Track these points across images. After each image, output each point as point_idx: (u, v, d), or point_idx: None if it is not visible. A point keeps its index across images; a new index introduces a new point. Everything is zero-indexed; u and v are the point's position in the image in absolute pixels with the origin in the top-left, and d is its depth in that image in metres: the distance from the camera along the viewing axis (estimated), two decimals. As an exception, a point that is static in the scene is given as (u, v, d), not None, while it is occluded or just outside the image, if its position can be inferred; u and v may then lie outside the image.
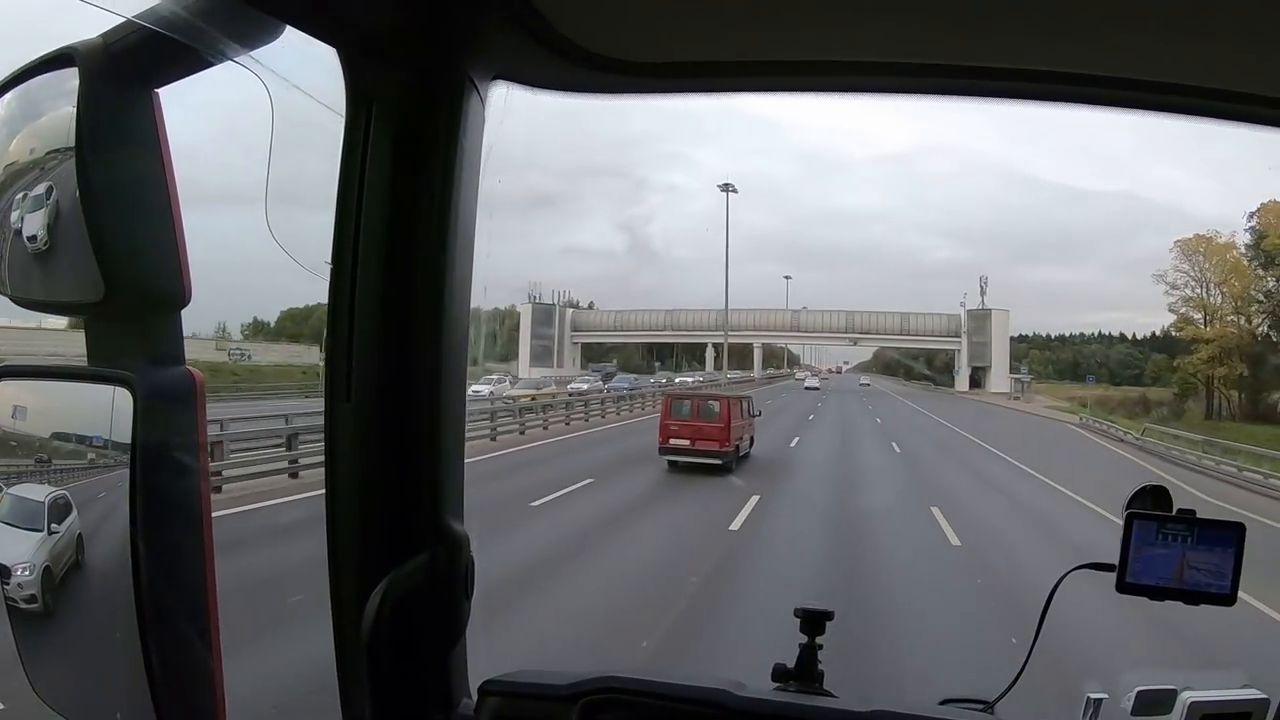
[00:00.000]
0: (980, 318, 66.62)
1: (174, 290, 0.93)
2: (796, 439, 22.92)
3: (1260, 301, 45.96)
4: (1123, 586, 1.41)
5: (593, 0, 1.10)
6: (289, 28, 0.97)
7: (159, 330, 0.94)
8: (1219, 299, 46.82)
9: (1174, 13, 1.02)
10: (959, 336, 66.84)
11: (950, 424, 31.27)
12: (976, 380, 66.16)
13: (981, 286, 69.89)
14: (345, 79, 1.09)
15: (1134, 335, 76.46)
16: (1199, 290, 47.32)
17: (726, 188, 44.62)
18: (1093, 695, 1.51)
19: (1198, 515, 1.39)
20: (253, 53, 0.95)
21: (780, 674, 1.51)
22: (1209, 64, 1.16)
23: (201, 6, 0.89)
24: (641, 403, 30.84)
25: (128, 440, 0.86)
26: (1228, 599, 1.37)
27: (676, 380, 48.75)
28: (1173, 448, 26.51)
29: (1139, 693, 1.48)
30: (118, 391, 0.88)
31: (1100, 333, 78.27)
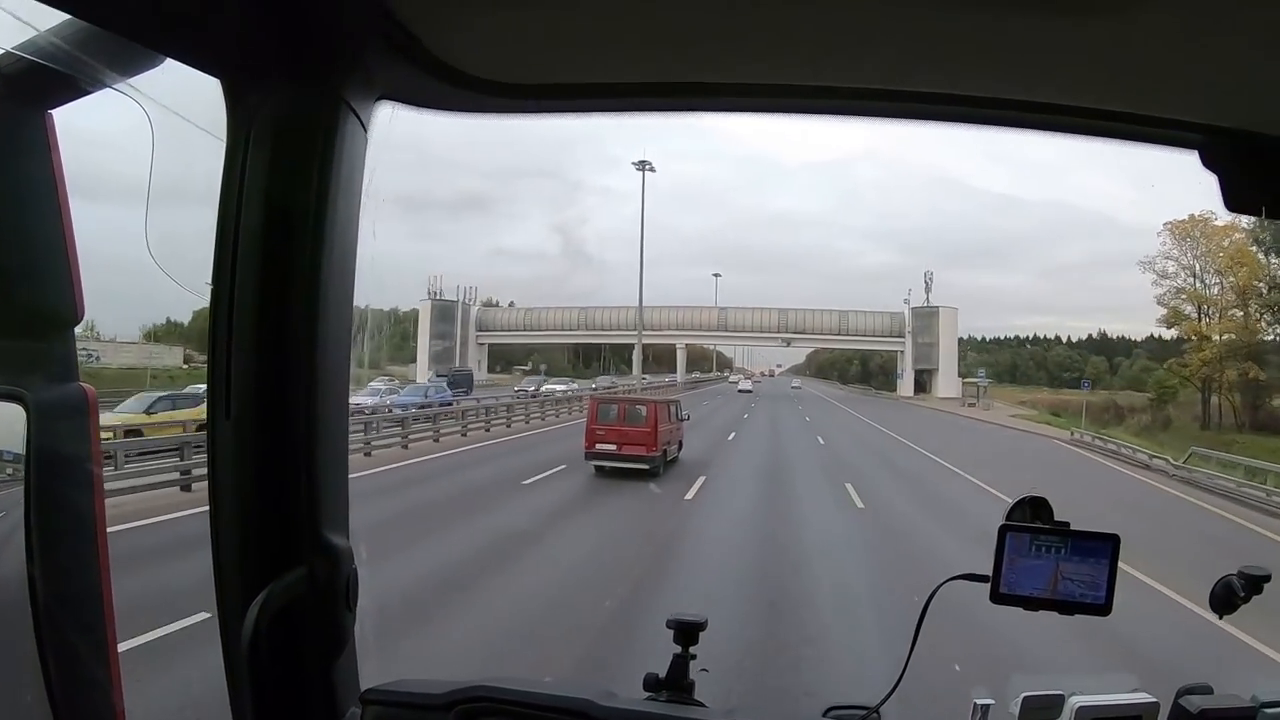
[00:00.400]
0: (926, 316, 66.69)
1: (67, 307, 0.97)
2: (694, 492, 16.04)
3: (1265, 293, 41.08)
4: (997, 597, 1.49)
5: (466, 24, 1.17)
6: None
7: (52, 347, 0.98)
8: (1218, 289, 42.56)
9: (1082, 44, 1.16)
10: (902, 337, 65.68)
11: (912, 443, 26.61)
12: (921, 384, 64.97)
13: (926, 282, 68.87)
14: (226, 105, 1.15)
15: (1069, 338, 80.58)
16: (1193, 280, 43.29)
17: (643, 165, 44.29)
18: (979, 701, 1.59)
19: (1071, 526, 1.49)
20: (136, 79, 0.98)
21: (651, 684, 1.61)
22: (1113, 89, 1.32)
23: (82, 37, 0.93)
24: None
25: (21, 456, 0.89)
26: (1103, 609, 1.47)
27: (550, 388, 46.34)
28: (1240, 483, 20.81)
29: (1025, 698, 1.57)
30: (10, 408, 0.90)
31: (1036, 335, 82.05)
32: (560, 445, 20.76)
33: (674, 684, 1.60)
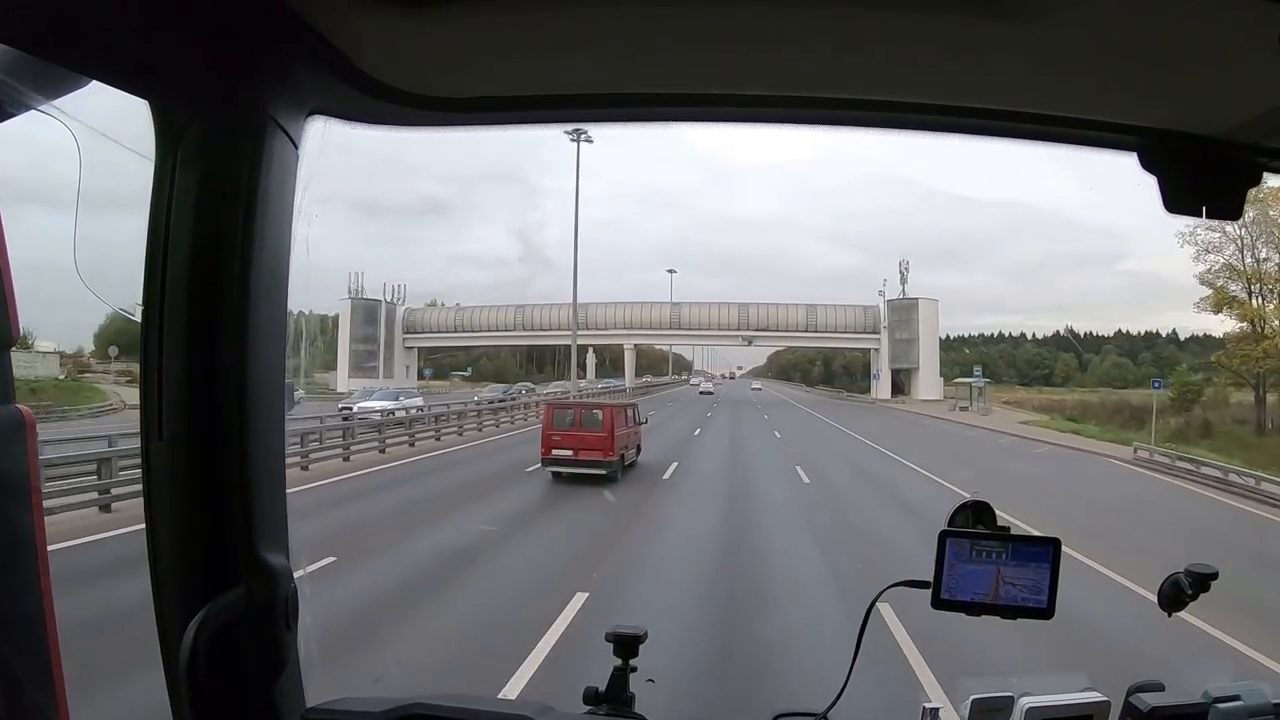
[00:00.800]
0: (903, 309, 62.59)
1: (1, 329, 1.00)
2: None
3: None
4: (938, 603, 1.55)
5: (395, 40, 1.22)
6: None
7: None
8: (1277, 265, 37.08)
9: (1022, 49, 1.23)
10: (877, 333, 63.11)
11: (926, 470, 21.26)
12: (899, 385, 62.53)
13: (902, 273, 64.35)
14: (154, 125, 1.18)
15: (1033, 335, 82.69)
16: (1242, 255, 37.10)
17: (577, 134, 39.64)
18: (928, 705, 1.66)
19: (1012, 532, 1.56)
20: (62, 100, 1.01)
21: (591, 697, 1.67)
22: (1054, 93, 1.41)
23: (6, 60, 0.97)
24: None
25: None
26: (1045, 613, 1.53)
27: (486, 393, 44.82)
28: None
29: (974, 701, 1.64)
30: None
31: (1000, 333, 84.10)
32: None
33: (614, 697, 1.66)
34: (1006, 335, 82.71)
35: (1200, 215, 1.55)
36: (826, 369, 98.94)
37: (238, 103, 1.20)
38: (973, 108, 1.46)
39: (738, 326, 64.11)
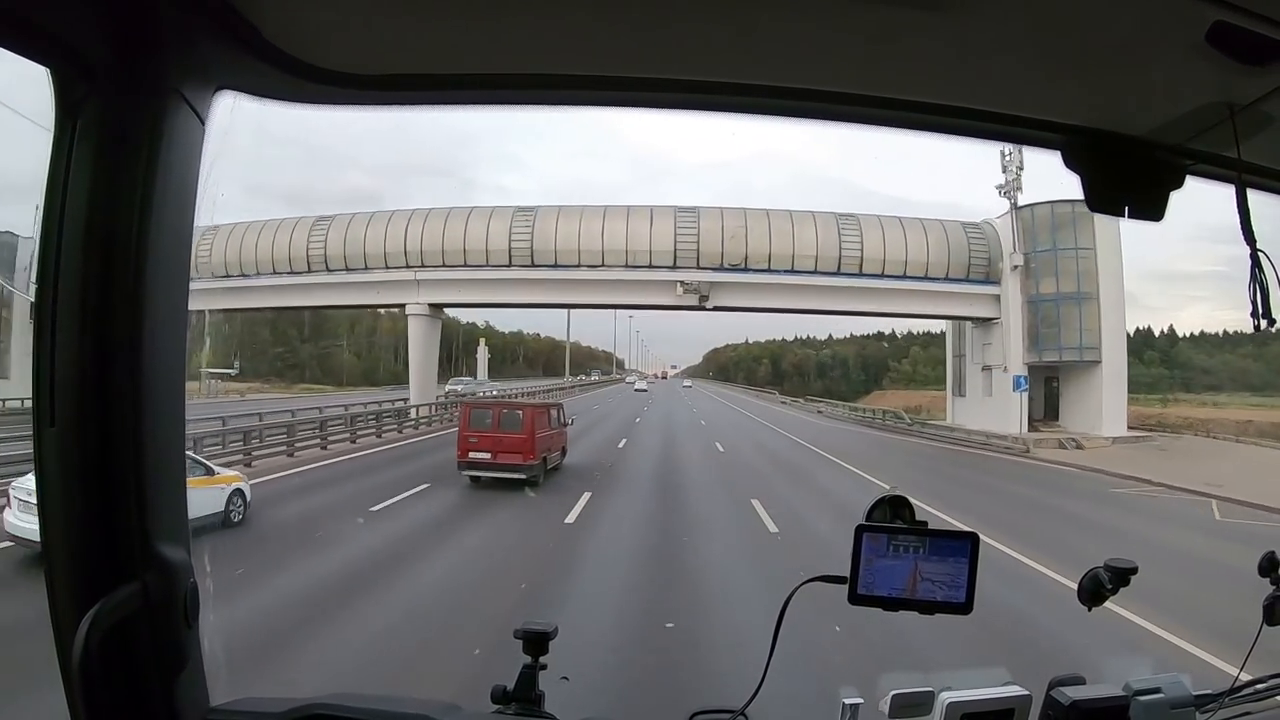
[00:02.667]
0: (1057, 229, 34.35)
1: None
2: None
3: None
4: (855, 598, 1.64)
5: (307, 13, 1.28)
6: None
7: None
8: None
9: (949, 43, 1.34)
10: (994, 283, 35.24)
11: None
12: (1052, 401, 36.25)
13: (1009, 170, 34.22)
14: (54, 95, 1.22)
15: None
16: None
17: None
18: (848, 700, 1.77)
19: (929, 526, 1.66)
20: None
21: (499, 696, 1.75)
22: (980, 89, 1.52)
23: None
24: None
25: None
26: (964, 608, 1.63)
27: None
28: None
29: (894, 696, 1.75)
30: None
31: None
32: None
33: (522, 695, 1.74)
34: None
35: (1123, 215, 1.66)
36: (775, 368, 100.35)
37: (140, 75, 1.24)
38: (896, 99, 1.57)
39: (676, 264, 35.70)
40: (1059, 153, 1.66)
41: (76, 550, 1.29)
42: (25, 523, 9.65)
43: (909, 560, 1.63)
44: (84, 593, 1.25)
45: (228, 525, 12.40)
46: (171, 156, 1.28)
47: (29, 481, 9.55)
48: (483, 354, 72.37)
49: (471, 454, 17.94)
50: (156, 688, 1.34)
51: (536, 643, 1.78)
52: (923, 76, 1.49)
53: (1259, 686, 2.03)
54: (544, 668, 1.78)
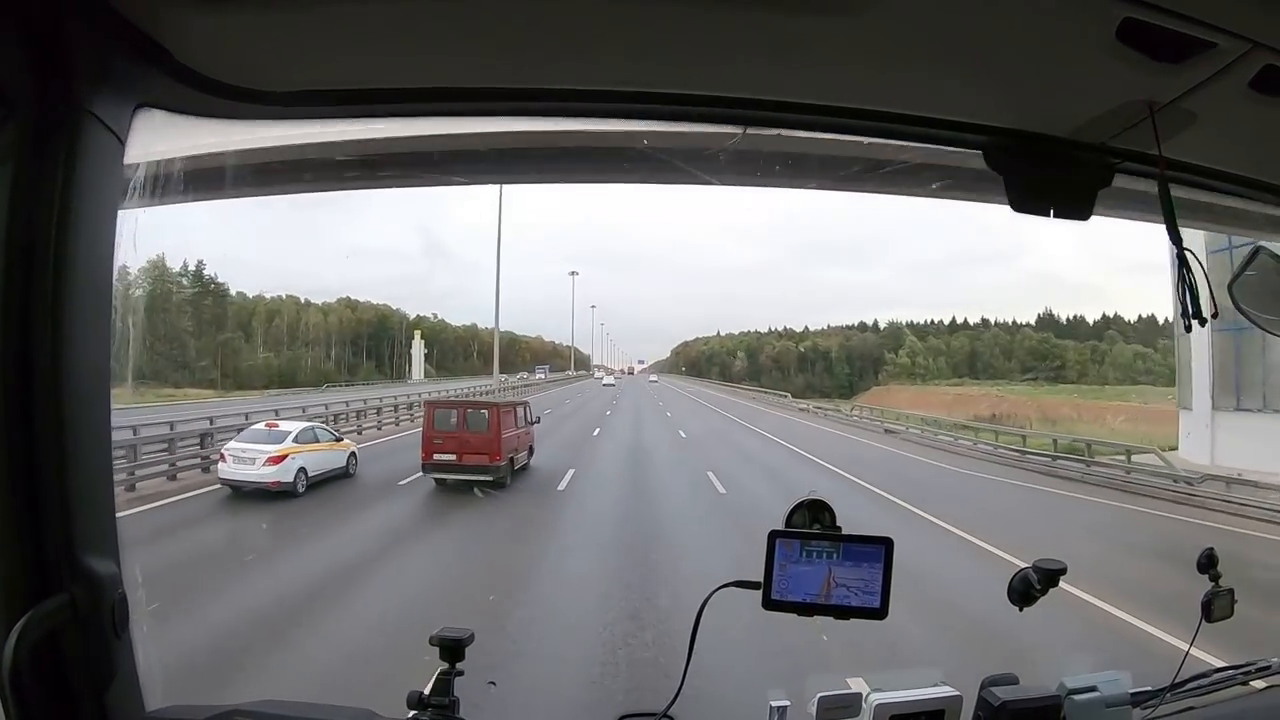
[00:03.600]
0: None
1: None
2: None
3: None
4: (769, 604, 1.72)
5: (213, 33, 1.35)
6: None
7: None
8: None
9: (870, 48, 1.42)
10: None
11: None
12: None
13: None
14: None
15: (1017, 321, 78.89)
16: None
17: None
18: (775, 703, 1.86)
19: (844, 532, 1.73)
20: None
21: (414, 702, 1.83)
22: (902, 93, 1.61)
23: None
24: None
25: None
26: (878, 613, 1.71)
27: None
28: None
29: (821, 698, 1.85)
30: None
31: (999, 319, 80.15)
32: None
33: (438, 701, 1.82)
34: (1005, 321, 77.29)
35: (1048, 215, 1.75)
36: (751, 362, 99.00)
37: (52, 97, 1.30)
38: (814, 105, 1.65)
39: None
40: (981, 154, 1.74)
41: (2, 563, 1.34)
42: (231, 473, 16.62)
43: (823, 566, 1.70)
44: (11, 606, 1.30)
45: (347, 476, 19.09)
46: (88, 176, 1.35)
47: (233, 445, 17.37)
48: (418, 350, 70.32)
49: (436, 456, 18.06)
50: (88, 698, 1.40)
51: (452, 649, 1.85)
52: (840, 82, 1.57)
53: (1201, 682, 2.14)
54: (461, 674, 1.85)
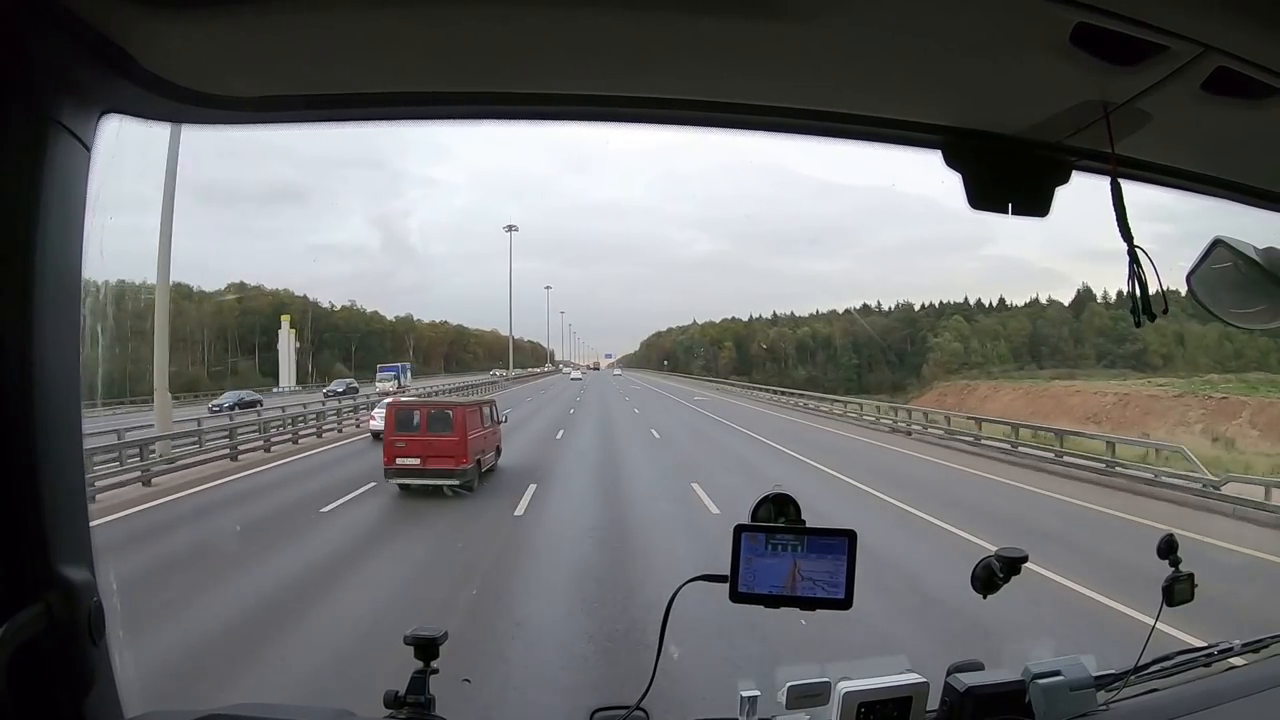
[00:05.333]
0: None
1: None
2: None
3: None
4: (736, 596, 1.90)
5: (177, 40, 1.46)
6: None
7: None
8: None
9: (827, 50, 1.55)
10: None
11: None
12: None
13: None
14: None
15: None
16: None
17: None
18: (745, 693, 2.06)
19: (808, 525, 1.91)
20: None
21: (390, 701, 2.01)
22: (859, 94, 1.75)
23: None
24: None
25: None
26: (843, 603, 1.89)
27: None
28: None
29: (790, 687, 2.05)
30: None
31: (1051, 298, 74.78)
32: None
33: (413, 700, 2.00)
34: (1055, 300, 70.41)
35: (1006, 212, 1.89)
36: (741, 354, 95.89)
37: (15, 105, 1.41)
38: (777, 107, 1.80)
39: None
40: (939, 152, 1.89)
41: None
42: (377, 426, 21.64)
43: (787, 559, 1.89)
44: None
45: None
46: (53, 184, 1.45)
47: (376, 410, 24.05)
48: (286, 343, 61.88)
49: (399, 460, 18.29)
50: (67, 707, 1.51)
51: (426, 648, 2.03)
52: (799, 85, 1.72)
53: (1165, 664, 2.37)
54: (435, 671, 2.03)
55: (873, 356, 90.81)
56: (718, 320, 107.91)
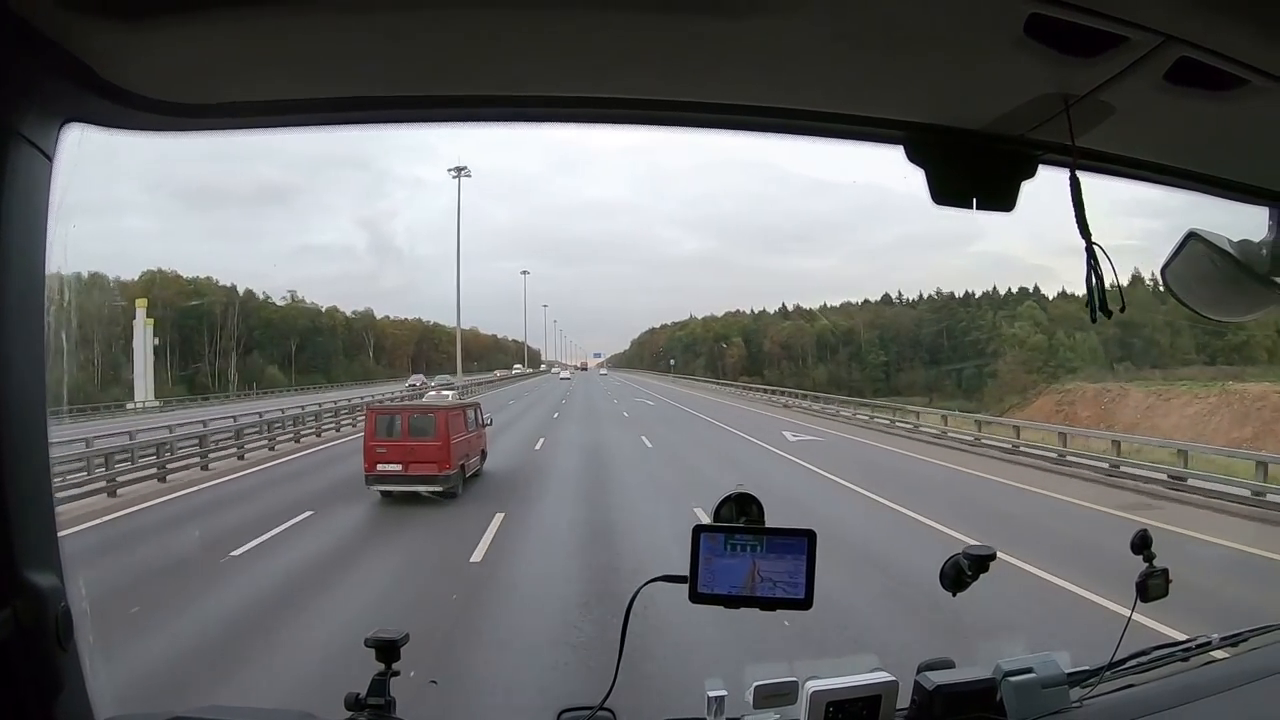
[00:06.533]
0: None
1: None
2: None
3: None
4: (695, 597, 2.01)
5: (135, 49, 1.54)
6: None
7: None
8: None
9: (789, 48, 1.63)
10: None
11: None
12: None
13: None
14: None
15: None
16: None
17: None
18: (712, 693, 2.19)
19: (767, 525, 2.03)
20: None
21: (351, 703, 2.14)
22: (822, 91, 1.86)
23: None
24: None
25: None
26: (803, 604, 2.00)
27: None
28: None
29: (757, 686, 2.18)
30: None
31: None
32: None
33: (374, 702, 2.13)
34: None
35: (971, 207, 1.98)
36: (752, 350, 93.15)
37: None
38: (737, 105, 1.91)
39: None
40: (901, 149, 1.99)
41: None
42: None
43: (746, 559, 2.00)
44: None
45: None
46: (13, 195, 1.53)
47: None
48: (142, 341, 54.52)
49: (380, 466, 18.65)
50: (35, 713, 1.59)
51: (387, 650, 2.15)
52: (759, 83, 1.81)
53: (1141, 659, 2.53)
54: (396, 674, 2.15)
55: (902, 353, 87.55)
56: (719, 314, 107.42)
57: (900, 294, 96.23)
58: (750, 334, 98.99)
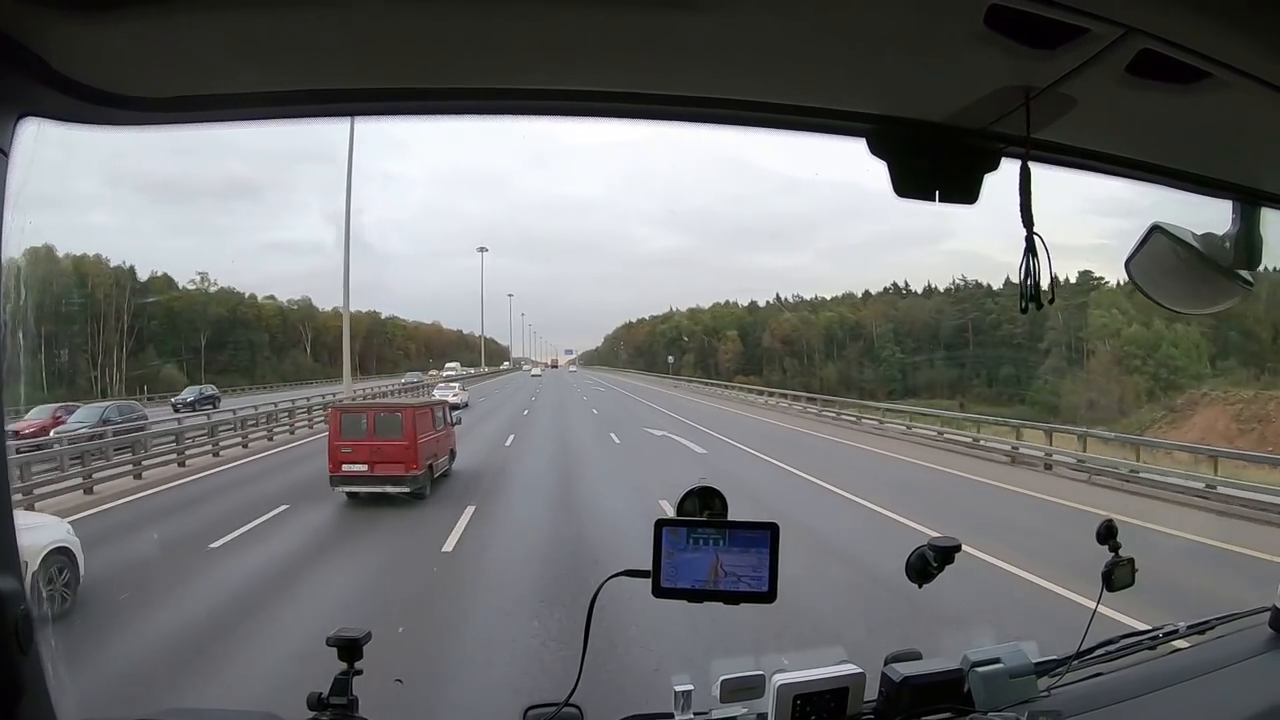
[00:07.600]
0: None
1: None
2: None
3: None
4: (659, 591, 2.10)
5: (89, 41, 1.58)
6: None
7: None
8: None
9: (750, 40, 1.68)
10: None
11: None
12: None
13: None
14: None
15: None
16: None
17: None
18: (679, 688, 2.31)
19: (729, 518, 2.13)
20: None
21: (314, 703, 2.26)
22: (783, 83, 1.93)
23: None
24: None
25: None
26: (767, 597, 2.10)
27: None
28: None
29: (723, 680, 2.30)
30: None
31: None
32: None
33: (336, 701, 2.24)
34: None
35: (933, 199, 2.08)
36: (746, 346, 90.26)
37: None
38: (698, 97, 1.98)
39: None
40: (864, 141, 2.08)
41: None
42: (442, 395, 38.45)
43: (709, 553, 2.09)
44: None
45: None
46: None
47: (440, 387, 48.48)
48: None
49: (345, 466, 18.96)
50: None
51: (349, 649, 2.25)
52: (720, 76, 1.89)
53: (1109, 648, 2.68)
54: (359, 673, 2.26)
55: (919, 349, 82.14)
56: (706, 306, 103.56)
57: (906, 284, 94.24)
58: (747, 328, 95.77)
